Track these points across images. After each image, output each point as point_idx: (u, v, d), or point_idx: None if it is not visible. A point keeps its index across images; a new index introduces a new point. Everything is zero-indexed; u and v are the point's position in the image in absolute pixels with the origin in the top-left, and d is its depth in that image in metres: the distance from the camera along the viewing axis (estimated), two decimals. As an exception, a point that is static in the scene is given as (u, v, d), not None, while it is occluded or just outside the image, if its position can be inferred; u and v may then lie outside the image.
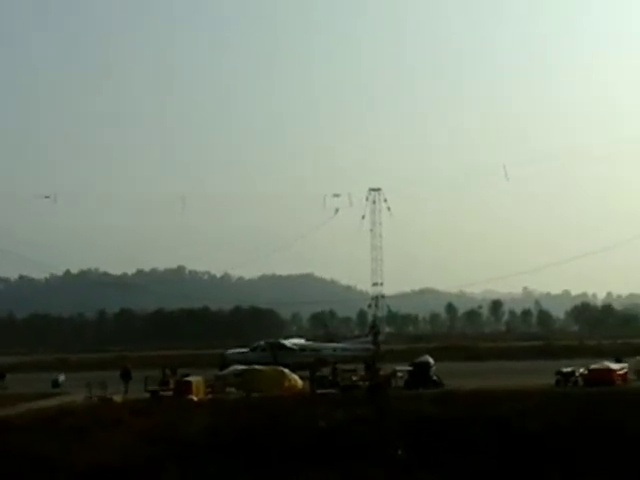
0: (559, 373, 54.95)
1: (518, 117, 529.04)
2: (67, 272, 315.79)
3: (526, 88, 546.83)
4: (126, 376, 59.45)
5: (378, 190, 76.86)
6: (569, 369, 55.49)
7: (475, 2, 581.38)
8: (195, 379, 54.59)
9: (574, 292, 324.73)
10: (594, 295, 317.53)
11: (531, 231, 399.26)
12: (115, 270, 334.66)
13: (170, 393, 53.20)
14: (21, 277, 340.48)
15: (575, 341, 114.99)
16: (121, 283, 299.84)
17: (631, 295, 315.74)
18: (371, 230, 76.25)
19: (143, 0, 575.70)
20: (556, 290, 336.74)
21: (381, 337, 78.67)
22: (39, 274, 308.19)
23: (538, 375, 57.29)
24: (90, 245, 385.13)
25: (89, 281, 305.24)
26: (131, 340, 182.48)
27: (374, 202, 76.71)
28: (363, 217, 77.43)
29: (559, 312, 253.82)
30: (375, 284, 76.02)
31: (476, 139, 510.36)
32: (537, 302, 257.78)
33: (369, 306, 78.26)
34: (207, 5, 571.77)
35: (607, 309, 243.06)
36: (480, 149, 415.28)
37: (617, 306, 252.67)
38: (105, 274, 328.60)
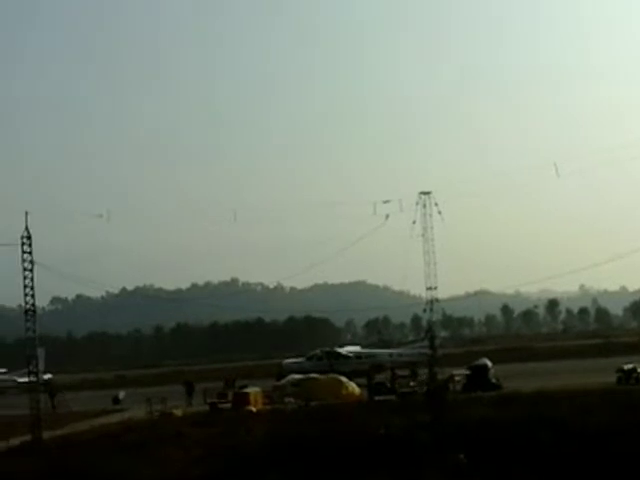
0: (620, 370, 54.13)
1: (566, 112, 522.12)
2: (123, 289, 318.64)
3: (569, 87, 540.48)
4: (189, 390, 60.00)
5: (428, 194, 76.30)
6: (630, 366, 54.62)
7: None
8: (253, 390, 54.80)
9: (631, 288, 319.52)
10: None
11: (585, 228, 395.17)
12: (170, 285, 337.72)
13: (229, 405, 53.47)
14: (78, 296, 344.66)
15: (635, 337, 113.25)
16: (176, 298, 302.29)
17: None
18: (422, 235, 75.72)
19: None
20: (613, 287, 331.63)
21: (437, 341, 78.17)
22: (95, 293, 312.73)
23: (599, 373, 56.47)
24: (144, 262, 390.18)
25: (145, 297, 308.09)
26: (188, 354, 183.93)
27: (424, 206, 76.13)
28: (414, 222, 76.87)
29: (617, 309, 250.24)
30: (429, 288, 75.41)
31: (525, 137, 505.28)
32: (594, 300, 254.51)
33: (424, 310, 77.76)
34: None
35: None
36: (529, 147, 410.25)
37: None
38: (160, 290, 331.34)
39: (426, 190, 77.18)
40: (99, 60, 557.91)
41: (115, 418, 52.36)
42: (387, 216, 79.86)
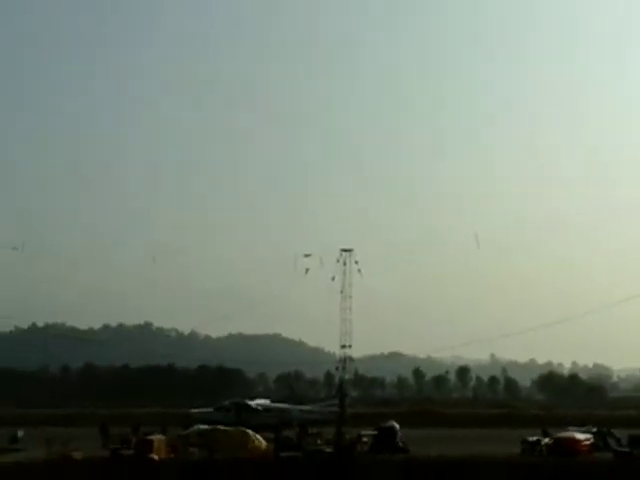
0: (525, 442, 54.71)
1: (494, 184, 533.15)
2: (33, 325, 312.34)
3: (510, 157, 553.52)
4: (104, 432, 58.61)
5: (349, 251, 76.88)
6: (535, 438, 55.29)
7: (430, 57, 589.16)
8: (157, 438, 53.70)
9: (540, 361, 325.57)
10: (560, 364, 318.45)
11: (499, 299, 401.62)
12: (81, 324, 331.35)
13: (131, 451, 52.25)
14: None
15: (541, 410, 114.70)
16: (87, 338, 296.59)
17: (596, 365, 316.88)
18: (341, 292, 76.00)
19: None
20: (523, 358, 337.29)
21: (347, 400, 78.02)
22: (4, 327, 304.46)
23: (504, 443, 56.95)
24: (57, 298, 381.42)
25: (55, 335, 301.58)
26: (95, 396, 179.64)
27: (345, 263, 76.64)
28: (333, 278, 77.26)
29: (525, 380, 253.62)
30: (343, 346, 75.47)
31: (448, 205, 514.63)
32: (504, 369, 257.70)
33: (337, 368, 77.63)
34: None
35: (573, 378, 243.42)
36: (452, 215, 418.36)
37: (582, 376, 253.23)
38: (71, 328, 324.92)
39: (347, 247, 77.82)
40: None
41: (10, 458, 50.66)
42: (307, 270, 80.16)
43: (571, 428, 59.15)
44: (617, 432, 58.57)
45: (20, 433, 66.62)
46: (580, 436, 55.32)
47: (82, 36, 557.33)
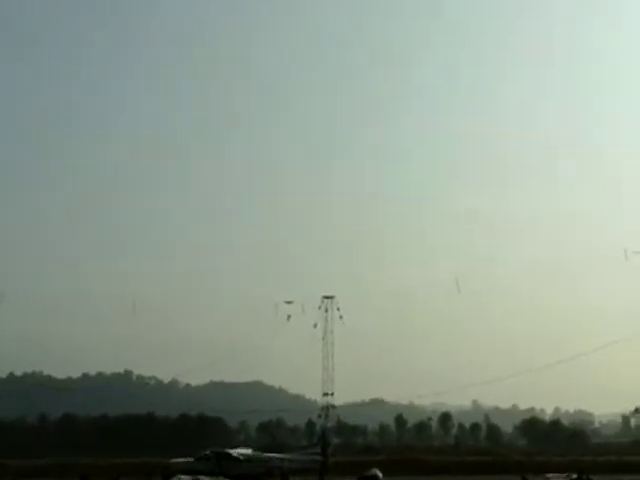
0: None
1: (472, 230, 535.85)
2: (10, 374, 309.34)
3: (492, 200, 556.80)
4: None
5: (331, 298, 77.19)
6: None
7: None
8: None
9: (522, 406, 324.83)
10: (542, 410, 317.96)
11: (481, 344, 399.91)
12: (60, 374, 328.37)
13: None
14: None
15: (524, 456, 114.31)
16: (65, 387, 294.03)
17: (579, 411, 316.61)
18: (323, 338, 76.30)
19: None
20: (505, 404, 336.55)
21: (330, 449, 77.71)
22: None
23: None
24: (35, 347, 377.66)
25: (33, 384, 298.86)
26: (73, 446, 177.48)
27: (327, 310, 76.96)
28: (315, 325, 77.59)
29: (507, 426, 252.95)
30: (325, 394, 75.59)
31: (429, 252, 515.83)
32: (486, 415, 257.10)
33: (319, 416, 77.63)
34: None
35: (555, 424, 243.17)
36: (432, 262, 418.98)
37: (565, 421, 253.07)
38: (49, 378, 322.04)
39: (329, 294, 78.10)
40: None
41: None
42: (289, 317, 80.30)
43: (551, 475, 58.96)
44: (598, 478, 58.49)
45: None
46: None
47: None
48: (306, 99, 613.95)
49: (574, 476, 58.76)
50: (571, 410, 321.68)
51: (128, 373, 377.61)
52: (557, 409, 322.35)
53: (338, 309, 76.44)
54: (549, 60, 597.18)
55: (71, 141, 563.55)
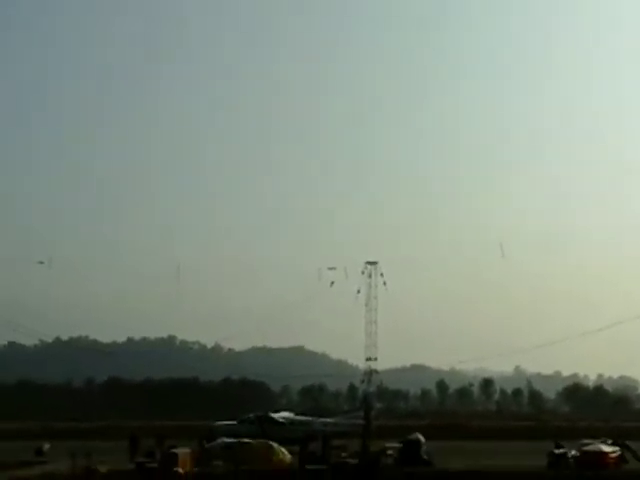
0: (551, 454, 54.30)
1: (518, 194, 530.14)
2: (57, 339, 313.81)
3: (524, 165, 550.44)
4: (134, 444, 58.58)
5: (374, 264, 76.89)
6: (561, 450, 54.85)
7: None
8: (182, 451, 53.75)
9: (565, 373, 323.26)
10: (585, 376, 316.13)
11: (525, 310, 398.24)
12: (105, 338, 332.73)
13: (156, 465, 52.34)
14: (10, 343, 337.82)
15: (567, 422, 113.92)
16: (111, 351, 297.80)
17: (622, 377, 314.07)
18: (366, 304, 76.06)
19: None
20: (547, 370, 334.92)
21: (372, 413, 77.88)
22: (29, 340, 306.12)
23: (530, 456, 56.61)
24: (81, 312, 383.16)
25: (78, 348, 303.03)
26: (119, 409, 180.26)
27: (370, 276, 76.70)
28: (358, 291, 77.34)
29: (550, 392, 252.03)
30: (369, 359, 75.51)
31: (474, 216, 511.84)
32: (529, 381, 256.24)
33: (362, 381, 77.58)
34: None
35: (598, 390, 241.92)
36: (478, 226, 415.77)
37: (608, 387, 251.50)
38: (95, 342, 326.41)
39: (372, 260, 77.80)
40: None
41: (36, 471, 50.90)
42: (332, 283, 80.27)
43: (585, 440, 58.50)
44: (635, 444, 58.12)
45: (46, 446, 67.00)
46: (607, 449, 54.86)
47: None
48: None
49: (609, 441, 58.34)
50: (615, 376, 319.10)
51: (172, 338, 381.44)
52: (600, 375, 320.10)
53: (381, 275, 76.05)
54: None
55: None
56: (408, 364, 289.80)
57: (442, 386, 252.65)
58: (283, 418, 78.16)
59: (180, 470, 49.97)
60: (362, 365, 77.38)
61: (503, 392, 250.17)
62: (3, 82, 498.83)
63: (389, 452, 56.98)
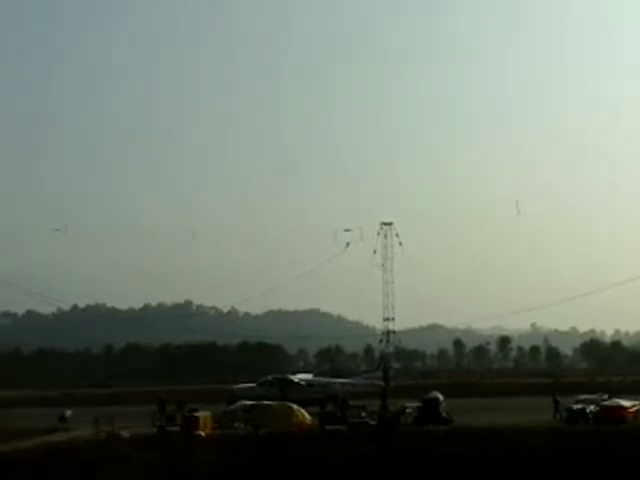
0: (569, 410, 54.47)
1: (533, 152, 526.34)
2: (74, 307, 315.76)
3: (540, 123, 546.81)
4: (162, 407, 58.95)
5: (390, 224, 76.51)
6: (579, 406, 55.01)
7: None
8: (202, 414, 54.20)
9: (582, 329, 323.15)
10: (602, 332, 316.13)
11: (540, 267, 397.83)
12: (122, 305, 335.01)
13: (177, 428, 52.81)
14: (28, 311, 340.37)
15: (584, 378, 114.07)
16: (128, 318, 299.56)
17: (639, 332, 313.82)
18: (382, 265, 75.81)
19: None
20: (564, 327, 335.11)
21: (391, 373, 78.08)
22: (46, 308, 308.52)
23: (548, 412, 56.82)
24: (98, 279, 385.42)
25: (96, 316, 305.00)
26: (138, 375, 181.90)
27: (385, 237, 76.41)
28: (374, 252, 77.07)
29: (567, 349, 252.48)
30: (386, 319, 75.52)
31: (489, 174, 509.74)
32: (545, 339, 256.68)
33: (380, 341, 77.57)
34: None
35: (616, 346, 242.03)
36: (492, 184, 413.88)
37: (625, 343, 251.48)
38: (112, 309, 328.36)
39: (388, 220, 77.39)
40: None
41: (60, 437, 51.44)
42: (347, 244, 79.86)
43: (582, 396, 58.61)
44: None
45: (68, 413, 67.60)
46: (626, 403, 54.98)
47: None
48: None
49: (605, 396, 58.41)
50: (631, 332, 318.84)
51: (188, 303, 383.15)
52: (617, 331, 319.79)
53: (397, 235, 75.71)
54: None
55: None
56: (424, 324, 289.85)
57: (459, 345, 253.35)
58: (302, 380, 78.48)
59: (201, 433, 50.44)
60: (378, 326, 77.58)
61: (520, 350, 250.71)
62: None
63: (408, 411, 57.26)
